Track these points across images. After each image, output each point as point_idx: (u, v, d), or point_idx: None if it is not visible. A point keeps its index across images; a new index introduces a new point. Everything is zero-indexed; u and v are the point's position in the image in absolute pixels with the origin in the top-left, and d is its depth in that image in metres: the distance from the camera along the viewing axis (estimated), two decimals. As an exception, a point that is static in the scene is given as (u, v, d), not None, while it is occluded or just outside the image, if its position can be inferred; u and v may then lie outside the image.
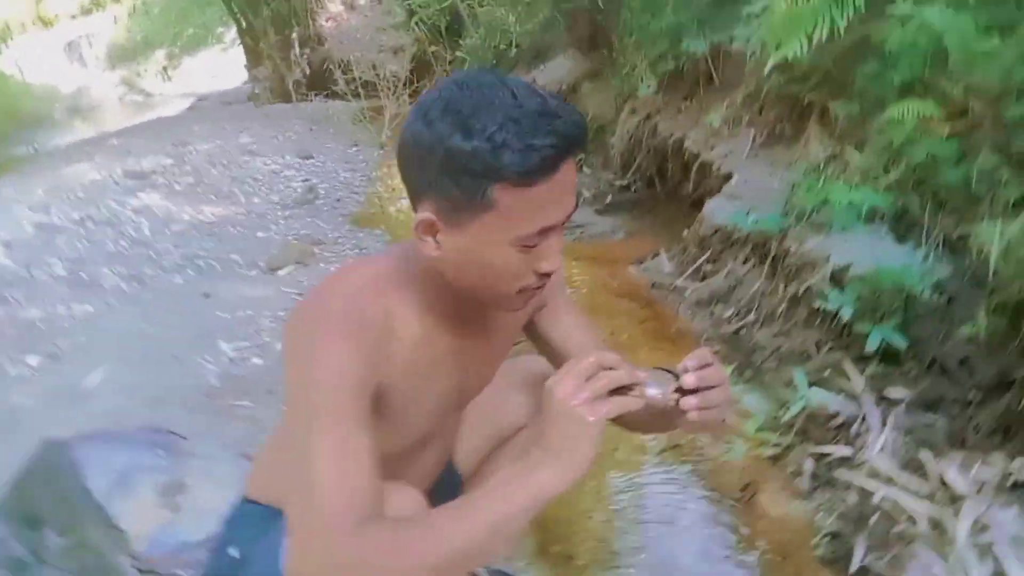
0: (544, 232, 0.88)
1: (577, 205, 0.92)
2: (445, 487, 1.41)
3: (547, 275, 0.92)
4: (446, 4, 8.34)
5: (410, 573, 0.83)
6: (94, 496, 1.82)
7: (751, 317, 2.53)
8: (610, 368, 0.86)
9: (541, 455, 0.86)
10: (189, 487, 1.91)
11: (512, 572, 1.67)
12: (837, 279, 2.14)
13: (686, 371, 0.89)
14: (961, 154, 2.04)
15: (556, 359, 1.25)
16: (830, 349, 2.15)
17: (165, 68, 17.27)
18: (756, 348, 2.41)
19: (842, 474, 1.81)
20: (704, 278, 2.95)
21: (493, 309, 1.04)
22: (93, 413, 2.39)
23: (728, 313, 2.65)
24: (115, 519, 1.76)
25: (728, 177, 3.17)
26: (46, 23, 21.78)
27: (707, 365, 0.91)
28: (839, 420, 1.94)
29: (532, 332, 1.23)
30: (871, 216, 2.20)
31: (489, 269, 0.91)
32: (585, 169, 4.73)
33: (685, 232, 3.21)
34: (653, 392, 0.88)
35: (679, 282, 3.02)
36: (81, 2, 21.63)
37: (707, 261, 2.98)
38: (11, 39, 18.73)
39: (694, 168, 3.56)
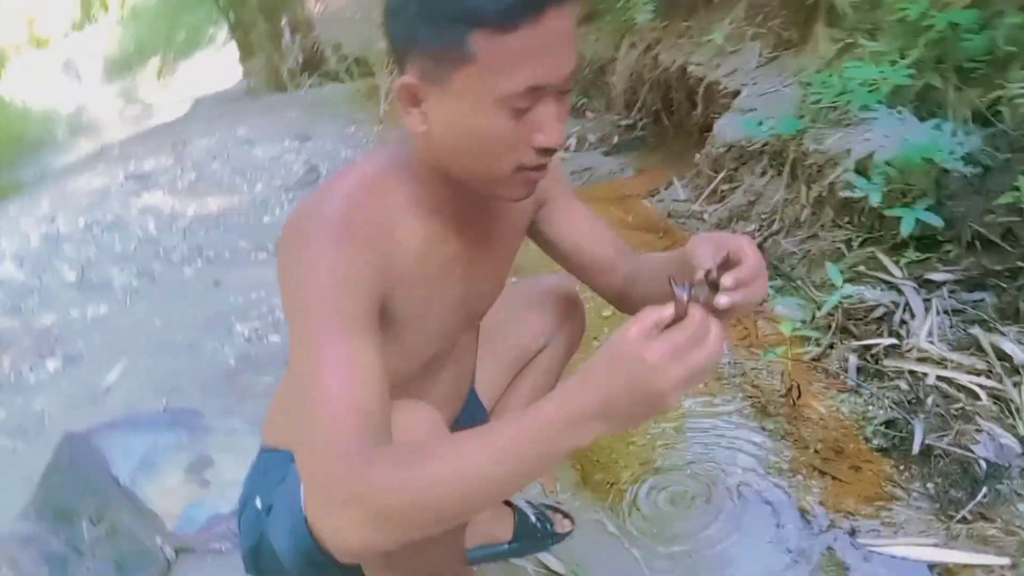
0: (534, 93, 0.78)
1: (576, 70, 0.82)
2: (469, 419, 1.34)
3: (547, 152, 0.82)
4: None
5: (420, 511, 0.72)
6: (121, 482, 1.80)
7: (775, 227, 2.42)
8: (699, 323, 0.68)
9: (596, 409, 0.68)
10: (215, 461, 1.88)
11: (559, 504, 1.60)
12: (862, 170, 2.02)
13: (717, 276, 0.76)
14: (983, 22, 1.90)
15: (566, 259, 1.17)
16: (862, 243, 2.05)
17: (160, 74, 17.22)
18: (784, 257, 2.30)
19: (890, 363, 1.71)
20: (722, 199, 2.84)
21: (493, 199, 0.93)
22: (115, 408, 2.37)
23: (751, 228, 2.54)
24: (145, 502, 1.74)
25: (736, 94, 3.04)
26: (40, 44, 21.87)
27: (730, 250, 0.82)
28: (880, 312, 1.85)
29: (537, 233, 1.15)
30: (892, 100, 2.07)
31: (478, 139, 0.81)
32: (588, 113, 4.61)
33: (697, 156, 3.09)
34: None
35: (696, 207, 2.91)
36: (72, 17, 21.66)
37: (723, 181, 2.87)
38: (8, 64, 18.86)
39: (700, 92, 3.42)
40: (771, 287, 2.23)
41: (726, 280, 0.74)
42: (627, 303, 1.18)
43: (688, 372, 0.64)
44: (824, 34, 2.70)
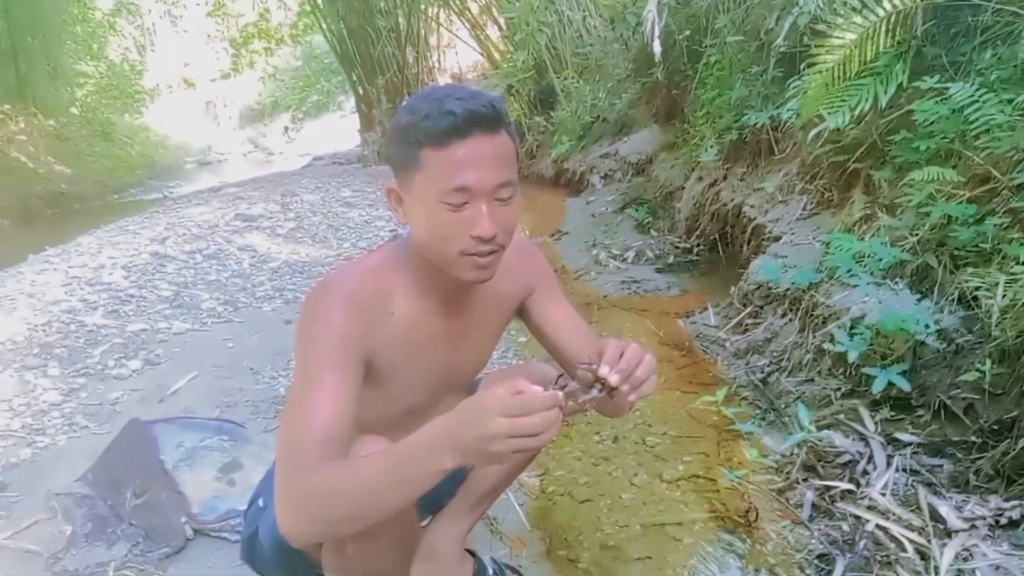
0: (464, 193, 1.07)
1: (512, 184, 1.11)
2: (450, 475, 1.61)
3: (481, 241, 1.09)
4: (544, 82, 8.85)
5: (329, 509, 1.00)
6: (165, 466, 2.14)
7: (782, 365, 2.63)
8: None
9: (446, 440, 0.91)
10: (245, 467, 2.20)
11: (519, 568, 1.82)
12: (853, 328, 2.23)
13: (605, 375, 1.01)
14: (978, 216, 2.14)
15: (549, 348, 1.44)
16: (847, 394, 2.24)
17: (288, 129, 18.83)
18: (781, 394, 2.50)
19: (842, 506, 1.88)
20: (745, 331, 3.06)
21: (453, 278, 1.16)
22: (176, 408, 2.75)
23: (762, 362, 2.75)
24: (180, 486, 2.06)
25: (777, 239, 3.30)
26: (189, 85, 24.34)
27: (621, 355, 1.03)
28: (846, 458, 2.02)
29: (525, 316, 1.43)
30: (894, 272, 2.30)
31: (429, 229, 1.12)
32: (652, 232, 4.93)
33: (732, 289, 3.34)
34: (586, 398, 1.01)
35: (721, 334, 3.14)
36: (221, 67, 24.06)
37: (749, 315, 3.10)
38: (159, 97, 20.93)
39: (749, 231, 3.70)
40: (762, 418, 2.43)
41: (610, 377, 1.00)
42: None
43: (511, 429, 0.85)
44: (860, 199, 2.95)
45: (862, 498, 1.90)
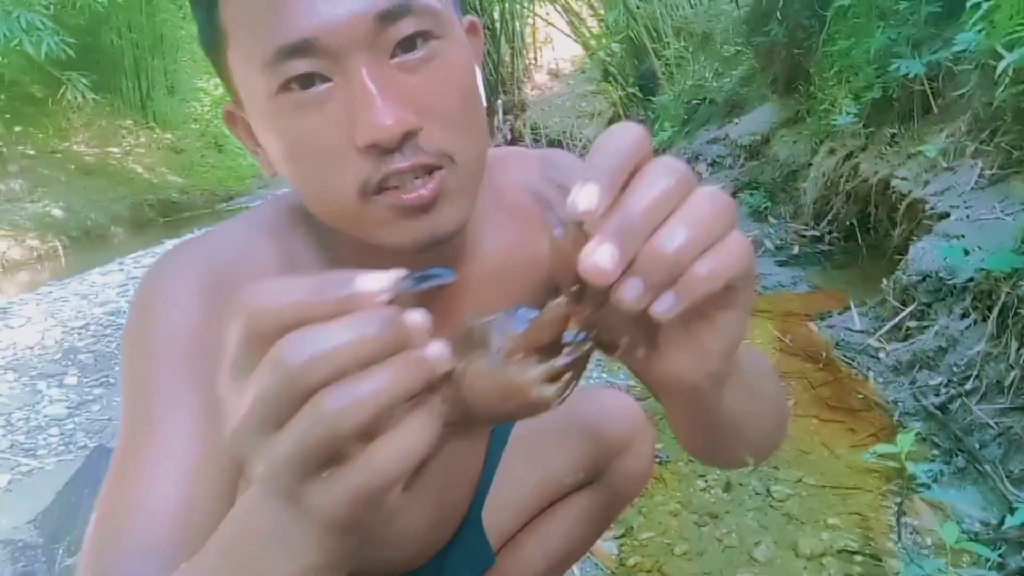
0: (307, 53, 0.51)
1: (419, 13, 0.52)
2: (461, 556, 1.02)
3: (383, 148, 0.52)
4: (644, 66, 8.16)
5: None
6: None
7: (968, 387, 1.87)
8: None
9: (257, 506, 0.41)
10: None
11: None
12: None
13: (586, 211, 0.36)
14: None
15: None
16: (1089, 434, 1.48)
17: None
18: (974, 428, 1.75)
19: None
20: (906, 337, 2.30)
21: (372, 245, 0.59)
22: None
23: (936, 381, 2.00)
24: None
25: (944, 217, 2.51)
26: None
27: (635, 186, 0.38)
28: (1103, 540, 1.28)
29: None
30: None
31: (286, 160, 0.57)
32: (771, 219, 4.16)
33: (884, 282, 2.57)
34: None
35: (872, 341, 2.39)
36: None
37: (911, 316, 2.33)
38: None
39: (901, 210, 2.90)
40: (946, 463, 1.68)
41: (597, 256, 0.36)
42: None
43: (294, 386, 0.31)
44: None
45: None
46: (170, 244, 5.80)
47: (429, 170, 0.54)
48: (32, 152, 9.22)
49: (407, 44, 0.53)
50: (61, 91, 8.05)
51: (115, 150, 12.36)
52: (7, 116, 8.76)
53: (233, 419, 0.34)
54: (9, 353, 3.01)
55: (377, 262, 0.64)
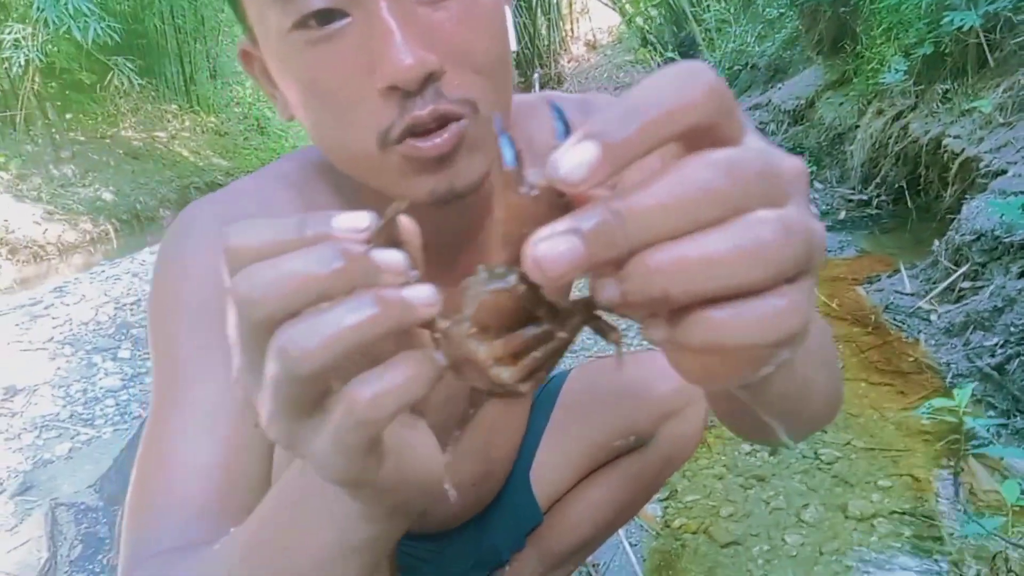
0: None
1: None
2: (510, 516, 1.02)
3: (406, 91, 0.49)
4: (684, 33, 7.99)
5: None
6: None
7: (1025, 347, 1.80)
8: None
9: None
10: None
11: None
12: None
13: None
14: None
15: None
16: None
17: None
18: (1031, 388, 1.69)
19: None
20: (959, 299, 2.23)
21: (390, 193, 0.56)
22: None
23: (992, 342, 1.93)
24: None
25: (1001, 174, 2.41)
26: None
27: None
28: None
29: None
30: None
31: (304, 102, 0.54)
32: (816, 184, 4.05)
33: (935, 244, 2.48)
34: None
35: (923, 303, 2.32)
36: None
37: (965, 277, 2.25)
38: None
39: (954, 169, 2.79)
40: (1003, 425, 1.63)
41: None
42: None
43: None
44: None
45: None
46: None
47: (450, 118, 0.51)
48: (83, 138, 9.46)
49: None
50: (109, 77, 8.23)
51: (161, 134, 12.63)
52: (59, 103, 8.98)
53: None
54: (66, 329, 3.12)
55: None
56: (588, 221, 0.25)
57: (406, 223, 0.32)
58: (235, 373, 0.32)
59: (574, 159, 0.24)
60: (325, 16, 0.49)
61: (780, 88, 5.92)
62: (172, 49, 13.42)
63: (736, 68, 6.68)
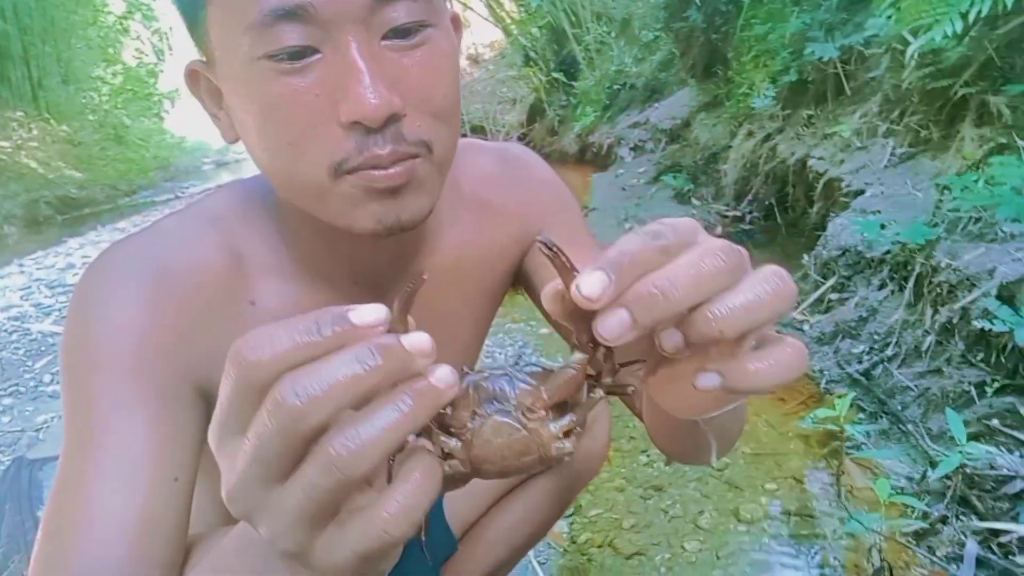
0: (298, 21, 0.49)
1: None
2: (426, 537, 1.00)
3: (368, 128, 0.51)
4: (564, 51, 8.21)
5: None
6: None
7: (889, 352, 1.97)
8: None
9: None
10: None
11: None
12: (1007, 297, 1.58)
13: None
14: None
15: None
16: (999, 390, 1.58)
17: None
18: (895, 391, 1.85)
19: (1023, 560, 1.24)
20: (828, 309, 2.40)
21: (332, 234, 0.60)
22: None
23: (858, 349, 2.10)
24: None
25: (859, 194, 2.63)
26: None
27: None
28: (1017, 487, 1.37)
29: (528, 284, 0.79)
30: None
31: (258, 126, 0.53)
32: (694, 200, 4.27)
33: (805, 258, 2.67)
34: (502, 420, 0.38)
35: (796, 314, 2.49)
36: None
37: (832, 289, 2.44)
38: (179, 100, 20.88)
39: (819, 188, 3.02)
40: (872, 430, 1.77)
41: (604, 323, 0.34)
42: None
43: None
44: (972, 134, 2.27)
45: (1056, 550, 1.26)
46: (73, 243, 5.48)
47: (404, 156, 0.53)
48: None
49: (401, 31, 0.52)
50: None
51: (5, 144, 11.62)
52: None
53: (228, 476, 0.32)
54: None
55: (334, 254, 0.63)
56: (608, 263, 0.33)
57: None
58: (232, 482, 0.32)
59: (590, 286, 0.33)
60: (299, 52, 0.50)
61: (657, 108, 6.20)
62: (16, 51, 12.40)
63: (615, 88, 6.93)
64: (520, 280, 0.80)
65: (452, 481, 0.38)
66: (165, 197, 11.42)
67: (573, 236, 0.77)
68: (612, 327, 0.33)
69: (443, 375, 0.31)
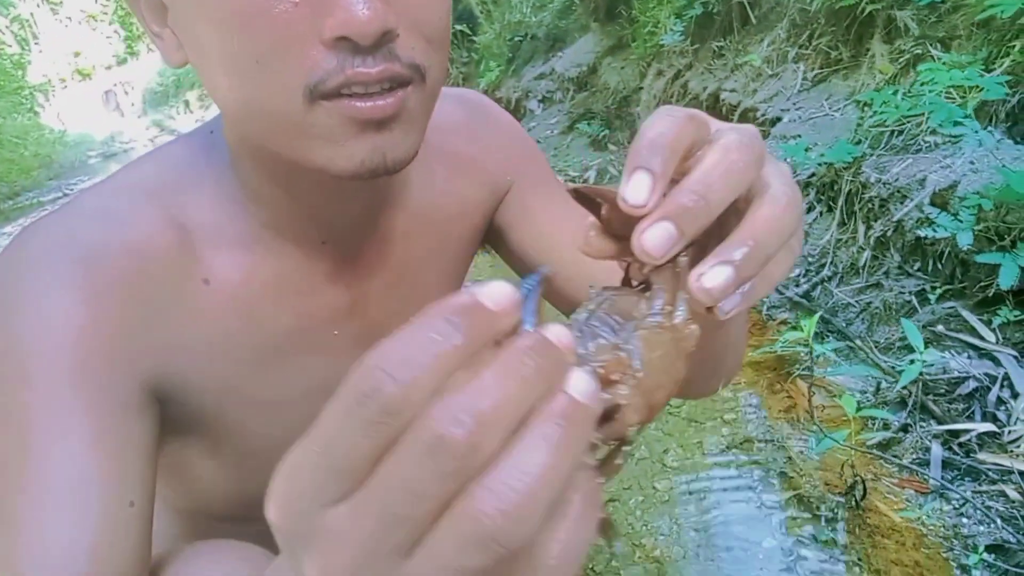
0: None
1: None
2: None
3: (358, 45, 0.42)
4: (460, 6, 7.99)
5: None
6: None
7: (826, 272, 2.00)
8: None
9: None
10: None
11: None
12: (940, 204, 1.61)
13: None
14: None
15: (553, 292, 0.74)
16: (940, 296, 1.62)
17: (188, 104, 17.58)
18: (837, 309, 1.88)
19: (988, 458, 1.27)
20: (759, 238, 2.42)
21: (322, 181, 0.51)
22: None
23: (795, 273, 2.12)
24: None
25: (777, 121, 2.65)
26: (84, 75, 22.52)
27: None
28: (969, 387, 1.41)
29: (499, 238, 0.72)
30: (977, 121, 1.66)
31: (222, 40, 0.43)
32: (611, 146, 4.25)
33: (731, 190, 2.69)
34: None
35: (728, 247, 2.50)
36: (116, 52, 22.29)
37: (761, 218, 2.46)
38: (52, 93, 19.42)
39: (735, 120, 3.03)
40: (828, 349, 1.80)
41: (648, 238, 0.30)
42: None
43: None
44: (882, 50, 2.31)
45: (1014, 441, 1.29)
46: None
47: (397, 83, 0.44)
48: None
49: None
50: None
51: None
52: None
53: (337, 547, 0.22)
54: None
55: (300, 210, 0.53)
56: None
57: None
58: (361, 555, 0.21)
59: (634, 191, 0.31)
60: None
61: (562, 56, 6.13)
62: None
63: (516, 39, 6.82)
64: (489, 236, 0.72)
65: (618, 454, 0.29)
66: (52, 196, 10.64)
67: (546, 184, 0.71)
68: (660, 241, 0.30)
69: (582, 386, 0.23)
